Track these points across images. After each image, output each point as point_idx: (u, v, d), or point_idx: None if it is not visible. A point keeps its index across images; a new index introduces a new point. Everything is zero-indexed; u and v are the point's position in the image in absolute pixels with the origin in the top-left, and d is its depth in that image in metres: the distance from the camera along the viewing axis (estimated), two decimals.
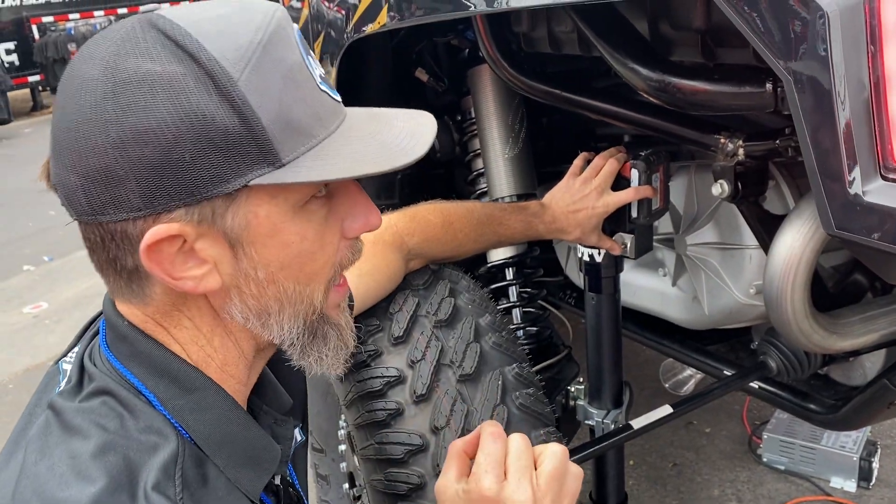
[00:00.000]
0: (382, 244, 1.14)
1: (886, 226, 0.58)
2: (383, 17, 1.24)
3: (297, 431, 0.94)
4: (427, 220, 1.21)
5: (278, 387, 0.84)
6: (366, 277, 1.10)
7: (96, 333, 0.74)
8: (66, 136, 0.62)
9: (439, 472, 1.01)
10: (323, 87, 0.68)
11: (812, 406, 1.57)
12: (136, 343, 0.69)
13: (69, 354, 0.75)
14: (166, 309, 0.69)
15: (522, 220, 1.30)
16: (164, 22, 0.62)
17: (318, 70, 0.68)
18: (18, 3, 11.45)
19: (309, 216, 0.68)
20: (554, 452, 0.79)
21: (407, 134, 0.70)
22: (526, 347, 1.63)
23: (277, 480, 0.83)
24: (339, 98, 0.70)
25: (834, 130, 0.59)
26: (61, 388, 0.69)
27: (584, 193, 1.30)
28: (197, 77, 0.60)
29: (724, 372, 1.68)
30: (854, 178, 0.59)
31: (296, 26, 0.68)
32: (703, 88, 0.91)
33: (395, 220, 1.19)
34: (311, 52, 0.69)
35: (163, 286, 0.67)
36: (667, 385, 2.25)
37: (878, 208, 0.58)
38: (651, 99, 1.00)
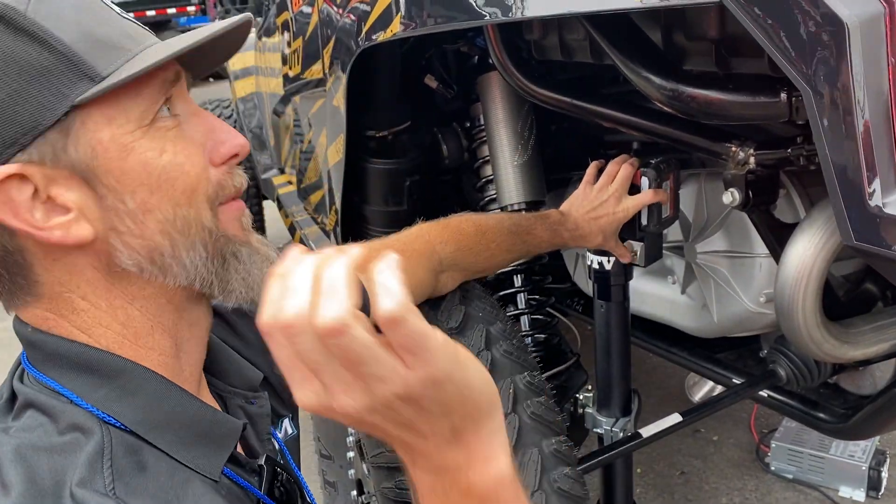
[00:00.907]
0: (412, 252, 1.10)
1: None
2: (396, 26, 1.24)
3: (287, 423, 0.92)
4: (460, 228, 1.19)
5: (240, 361, 0.81)
6: None
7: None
8: None
9: None
10: (127, 17, 0.68)
11: (822, 415, 1.57)
12: (44, 345, 0.66)
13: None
14: (56, 291, 0.65)
15: (548, 228, 1.30)
16: None
17: (119, 10, 0.68)
18: None
19: (162, 132, 0.66)
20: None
21: (219, 24, 0.69)
22: (534, 355, 1.64)
23: (261, 460, 0.79)
24: (149, 30, 0.70)
25: (854, 142, 0.59)
26: None
27: (602, 200, 1.31)
28: None
29: (733, 380, 1.68)
30: (874, 190, 0.59)
31: None
32: (717, 98, 0.91)
33: (427, 229, 1.16)
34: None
35: (40, 264, 0.64)
36: (694, 399, 2.21)
37: None
38: (663, 108, 0.99)
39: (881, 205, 0.59)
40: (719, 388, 2.06)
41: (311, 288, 0.50)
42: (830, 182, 0.62)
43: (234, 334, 0.86)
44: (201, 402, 0.71)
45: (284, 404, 0.92)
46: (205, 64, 0.75)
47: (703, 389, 2.07)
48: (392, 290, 0.49)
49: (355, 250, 0.53)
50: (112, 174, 0.63)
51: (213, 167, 0.69)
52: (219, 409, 0.76)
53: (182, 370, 0.72)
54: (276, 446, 0.87)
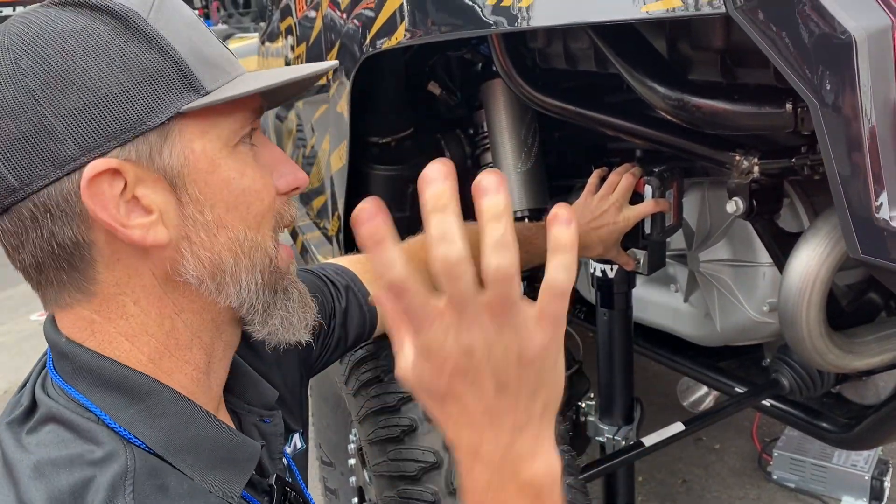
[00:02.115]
0: (419, 262, 1.09)
1: None
2: (400, 34, 1.24)
3: (297, 438, 0.92)
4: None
5: (258, 380, 0.82)
6: None
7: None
8: None
9: (453, 490, 1.01)
10: (223, 42, 0.72)
11: (825, 424, 1.56)
12: (76, 358, 0.66)
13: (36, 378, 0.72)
14: (111, 292, 0.66)
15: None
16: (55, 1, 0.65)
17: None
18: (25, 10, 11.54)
19: (244, 157, 0.69)
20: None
21: (309, 66, 0.73)
22: None
23: (271, 480, 0.79)
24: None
25: (861, 155, 0.59)
26: (11, 417, 0.67)
27: (603, 209, 1.31)
28: (106, 22, 0.63)
29: (736, 389, 1.67)
30: (881, 204, 0.59)
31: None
32: (723, 108, 0.91)
33: None
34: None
35: (104, 262, 0.65)
36: (685, 404, 2.22)
37: None
38: (668, 117, 0.99)
39: (888, 218, 0.59)
40: (713, 394, 2.06)
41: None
42: (837, 194, 0.62)
43: (249, 347, 0.86)
44: (224, 426, 0.72)
45: (296, 419, 0.92)
46: (274, 99, 0.78)
47: (695, 395, 2.07)
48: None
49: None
50: (197, 185, 0.66)
51: (277, 194, 0.72)
52: (234, 427, 0.76)
53: (210, 388, 0.73)
54: (286, 463, 0.87)
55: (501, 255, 0.48)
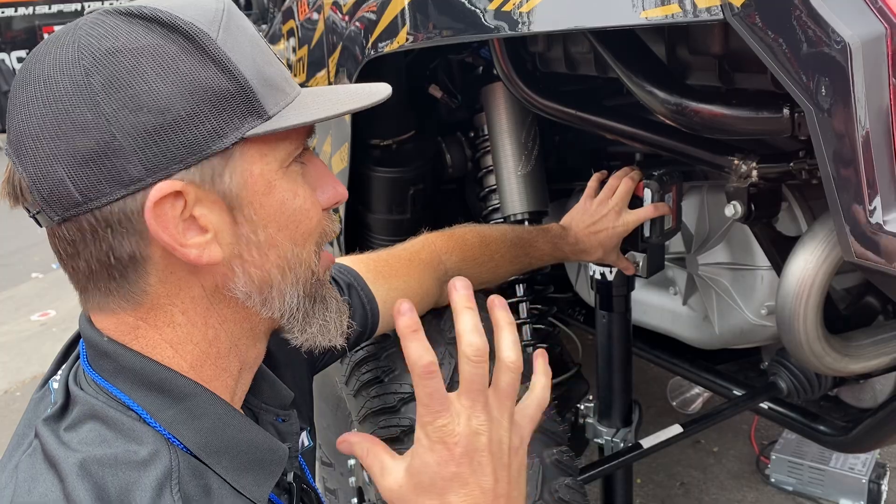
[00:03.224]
0: (419, 263, 1.12)
1: None
2: (402, 38, 1.25)
3: (305, 435, 0.94)
4: (465, 239, 1.21)
5: (276, 381, 0.83)
6: (396, 295, 1.08)
7: (80, 354, 0.73)
8: (42, 127, 0.61)
9: None
10: (279, 58, 0.72)
11: (822, 427, 1.57)
12: (119, 358, 0.67)
13: (57, 373, 0.73)
14: (160, 303, 0.67)
15: (549, 241, 1.31)
16: (125, 8, 0.64)
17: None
18: (31, 12, 11.55)
19: (295, 177, 0.70)
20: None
21: (362, 89, 0.75)
22: None
23: (290, 477, 0.81)
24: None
25: (855, 160, 0.60)
26: (48, 413, 0.68)
27: (602, 214, 1.32)
28: (176, 41, 0.63)
29: (734, 392, 1.68)
30: (875, 208, 0.60)
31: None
32: (721, 113, 0.92)
33: (433, 239, 1.18)
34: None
35: (158, 275, 0.66)
36: (674, 403, 2.25)
37: None
38: (667, 121, 1.00)
39: (882, 222, 0.60)
40: (704, 395, 2.07)
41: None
42: (831, 198, 0.63)
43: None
44: (259, 429, 0.74)
45: (304, 417, 0.94)
46: None
47: (686, 395, 2.08)
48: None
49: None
50: (252, 206, 0.67)
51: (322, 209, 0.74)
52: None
53: (236, 392, 0.75)
54: (299, 462, 0.88)
55: (516, 352, 0.69)
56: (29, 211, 0.66)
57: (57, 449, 0.63)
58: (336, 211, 2.07)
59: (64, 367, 0.73)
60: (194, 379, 0.69)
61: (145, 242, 0.64)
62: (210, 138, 0.63)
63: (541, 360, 0.76)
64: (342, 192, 0.76)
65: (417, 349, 0.66)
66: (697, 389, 2.29)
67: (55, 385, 0.71)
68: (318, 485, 1.91)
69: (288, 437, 0.83)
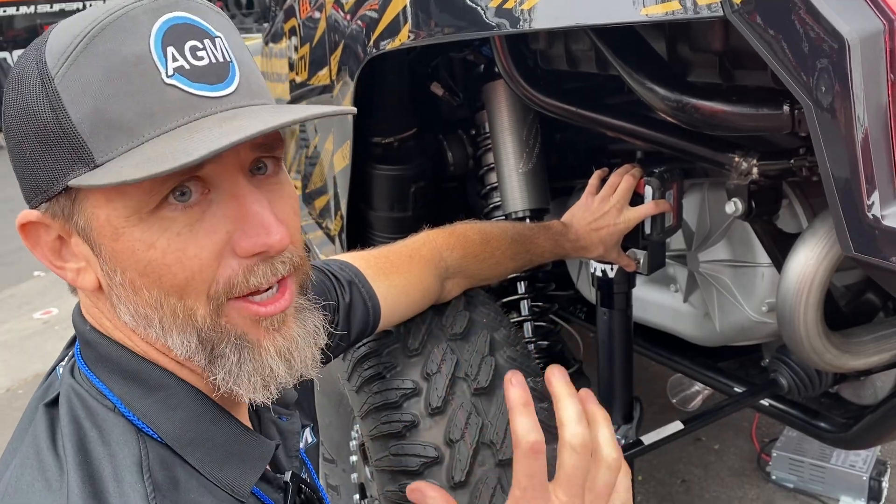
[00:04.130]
0: (419, 259, 1.12)
1: None
2: (404, 35, 1.26)
3: (308, 432, 0.94)
4: (466, 235, 1.21)
5: None
6: (396, 291, 1.09)
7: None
8: None
9: (455, 484, 1.02)
10: (172, 81, 0.60)
11: (822, 424, 1.58)
12: (99, 347, 0.68)
13: (65, 360, 0.74)
14: (93, 302, 0.69)
15: (550, 238, 1.31)
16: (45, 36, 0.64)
17: (181, 62, 0.61)
18: (32, 11, 11.56)
19: (163, 224, 0.62)
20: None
21: (259, 120, 0.61)
22: (538, 361, 1.65)
23: (286, 476, 0.80)
24: (213, 92, 0.62)
25: (854, 156, 0.60)
26: (49, 399, 0.69)
27: (603, 211, 1.32)
28: (34, 74, 0.60)
29: (735, 389, 1.69)
30: (873, 203, 0.60)
31: (198, 21, 0.63)
32: (721, 109, 0.92)
33: (434, 235, 1.18)
34: (199, 44, 0.62)
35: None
36: (674, 400, 2.25)
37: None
38: (667, 118, 1.01)
39: (880, 216, 0.60)
40: (704, 392, 2.07)
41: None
42: (830, 194, 0.63)
43: None
44: (237, 423, 0.73)
45: (306, 414, 0.94)
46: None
47: (686, 392, 2.08)
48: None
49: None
50: (105, 249, 0.63)
51: (236, 257, 0.64)
52: (249, 425, 0.78)
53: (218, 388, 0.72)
54: (302, 461, 0.89)
55: (618, 451, 0.69)
56: None
57: (46, 431, 0.66)
58: (335, 211, 2.07)
59: (66, 358, 0.74)
60: (168, 370, 0.69)
61: None
62: (47, 180, 0.62)
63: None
64: (266, 242, 0.63)
65: (525, 425, 0.66)
66: (697, 387, 2.29)
67: (61, 371, 0.73)
68: (321, 481, 1.91)
69: (289, 435, 0.83)
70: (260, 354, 0.67)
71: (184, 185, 0.61)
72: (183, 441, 0.68)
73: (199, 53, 0.62)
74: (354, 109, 0.68)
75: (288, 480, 0.80)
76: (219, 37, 0.64)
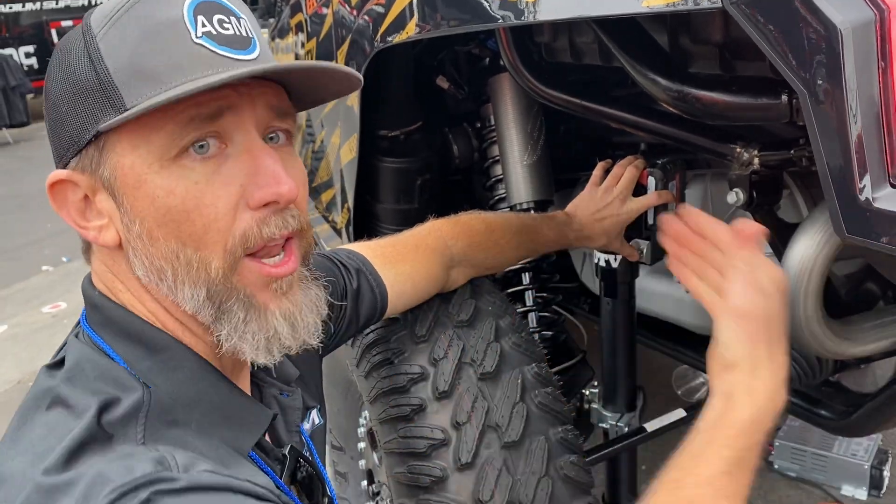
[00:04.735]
0: (425, 248, 1.15)
1: (894, 230, 0.62)
2: (411, 28, 1.28)
3: (315, 413, 0.97)
4: (470, 225, 1.23)
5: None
6: (403, 279, 1.11)
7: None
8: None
9: (462, 465, 1.05)
10: (200, 41, 0.66)
11: (823, 412, 1.59)
12: (104, 310, 0.73)
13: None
14: (112, 262, 0.73)
15: (554, 228, 1.34)
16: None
17: (209, 28, 0.67)
18: (38, 8, 11.60)
19: (183, 172, 0.66)
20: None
21: (256, 71, 0.67)
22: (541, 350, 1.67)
23: (285, 450, 0.83)
24: (237, 55, 0.67)
25: (846, 141, 0.62)
26: (52, 361, 0.74)
27: (607, 202, 1.34)
28: (78, 38, 0.68)
29: None
30: (865, 186, 0.62)
31: (225, 2, 0.69)
32: (721, 99, 0.94)
33: (440, 225, 1.21)
34: (226, 19, 0.68)
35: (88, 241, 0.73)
36: (679, 392, 2.26)
37: (887, 214, 0.62)
38: (669, 109, 1.03)
39: (871, 199, 0.62)
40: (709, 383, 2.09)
41: None
42: (824, 178, 0.65)
43: None
44: (234, 387, 0.76)
45: (313, 395, 0.97)
46: (309, 98, 0.77)
47: (691, 383, 2.10)
48: None
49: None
50: (127, 198, 0.68)
51: (249, 210, 0.68)
52: (250, 395, 0.81)
53: (223, 356, 0.75)
54: (302, 439, 0.91)
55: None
56: None
57: (49, 391, 0.69)
58: (342, 203, 2.10)
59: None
60: (169, 334, 0.72)
61: None
62: (79, 131, 0.68)
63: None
64: (278, 191, 0.68)
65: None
66: (702, 378, 2.30)
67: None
68: (329, 469, 1.94)
69: (290, 411, 0.86)
70: (265, 315, 0.71)
71: (204, 139, 0.67)
72: (182, 400, 0.71)
73: (226, 25, 0.68)
74: (360, 77, 0.74)
75: (287, 453, 0.83)
76: (243, 18, 0.70)
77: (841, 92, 0.61)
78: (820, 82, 0.63)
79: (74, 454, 0.62)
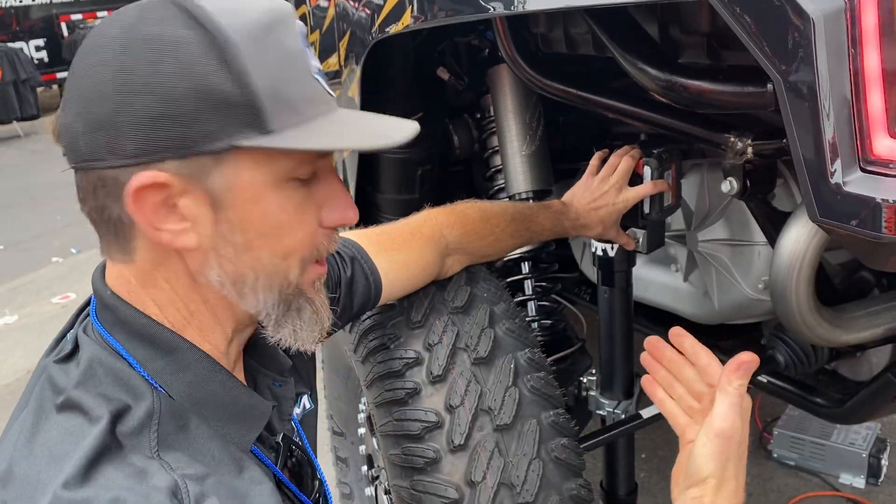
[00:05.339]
0: (420, 236, 1.17)
1: (863, 213, 0.63)
2: (407, 19, 1.30)
3: (306, 399, 1.00)
4: (466, 214, 1.25)
5: (275, 349, 0.88)
6: (397, 266, 1.13)
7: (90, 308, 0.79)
8: (77, 85, 0.68)
9: (455, 447, 1.07)
10: (317, 77, 0.73)
11: (819, 400, 1.61)
12: (118, 311, 0.74)
13: (76, 323, 0.79)
14: (147, 267, 0.73)
15: (550, 217, 1.35)
16: (187, 1, 0.68)
17: (315, 63, 0.74)
18: (48, 1, 11.66)
19: (290, 192, 0.73)
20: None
21: (390, 125, 0.77)
22: (540, 339, 1.69)
23: (278, 438, 0.87)
24: (332, 94, 0.76)
25: (818, 126, 0.64)
26: (58, 356, 0.75)
27: (603, 191, 1.36)
28: (204, 43, 0.66)
29: None
30: (836, 170, 0.64)
31: (301, 25, 0.75)
32: (708, 88, 0.96)
33: (436, 213, 1.22)
34: (311, 48, 0.75)
35: (145, 241, 0.71)
36: None
37: (856, 197, 0.64)
38: (659, 97, 1.04)
39: (841, 183, 0.64)
40: None
41: None
42: (798, 163, 0.67)
43: None
44: (241, 385, 0.79)
45: (305, 382, 0.99)
46: None
47: None
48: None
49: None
50: (235, 210, 0.70)
51: (320, 228, 0.77)
52: (246, 384, 0.83)
53: (228, 355, 0.81)
54: (293, 425, 0.94)
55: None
56: (62, 148, 0.72)
57: (66, 389, 0.70)
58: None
59: (80, 316, 0.80)
60: (180, 335, 0.75)
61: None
62: (204, 139, 0.67)
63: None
64: (350, 217, 0.78)
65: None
66: None
67: (69, 335, 0.78)
68: (330, 454, 1.97)
69: (283, 400, 0.89)
70: (318, 310, 0.81)
71: (314, 170, 0.75)
72: (193, 399, 0.74)
73: (311, 54, 0.75)
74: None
75: (280, 441, 0.87)
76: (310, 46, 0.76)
77: (813, 79, 0.63)
78: (793, 70, 0.65)
79: (91, 465, 0.65)
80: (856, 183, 0.64)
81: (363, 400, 1.59)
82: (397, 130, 0.76)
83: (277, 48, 0.70)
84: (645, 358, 1.00)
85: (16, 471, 0.67)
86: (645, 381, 1.00)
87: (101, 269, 0.78)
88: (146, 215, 0.68)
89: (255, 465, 0.77)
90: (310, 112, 0.71)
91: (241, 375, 0.85)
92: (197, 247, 0.71)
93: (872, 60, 0.61)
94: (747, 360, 0.89)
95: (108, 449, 0.66)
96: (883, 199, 0.62)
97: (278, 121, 0.68)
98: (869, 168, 0.63)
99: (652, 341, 1.00)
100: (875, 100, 0.62)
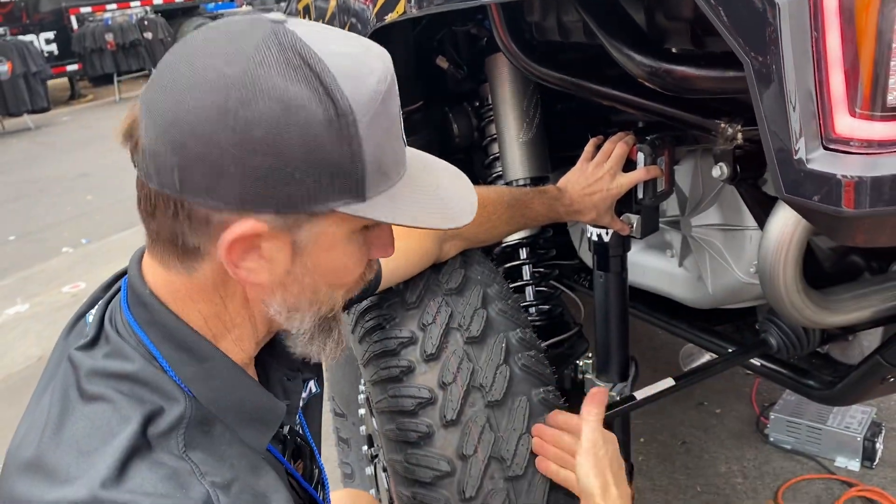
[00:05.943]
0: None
1: (825, 189, 0.66)
2: (401, 7, 1.33)
3: (312, 383, 1.03)
4: None
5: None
6: (398, 255, 1.15)
7: (118, 291, 0.82)
8: (177, 117, 0.66)
9: (447, 422, 1.11)
10: (403, 136, 0.78)
11: (810, 382, 1.63)
12: (155, 312, 0.76)
13: (93, 309, 0.82)
14: (205, 285, 0.76)
15: (545, 203, 1.38)
16: (301, 45, 0.67)
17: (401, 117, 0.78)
18: None
19: (355, 240, 0.78)
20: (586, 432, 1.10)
21: (457, 196, 0.83)
22: (538, 324, 1.72)
23: (285, 430, 0.91)
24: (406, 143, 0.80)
25: (783, 107, 0.67)
26: (81, 343, 0.77)
27: (597, 177, 1.38)
28: (327, 111, 0.67)
29: (729, 350, 1.75)
30: (800, 148, 0.67)
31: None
32: (692, 73, 0.98)
33: None
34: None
35: (213, 265, 0.74)
36: (686, 370, 2.29)
37: (819, 174, 0.67)
38: (646, 83, 1.07)
39: (804, 160, 0.67)
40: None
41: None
42: (765, 142, 0.70)
43: None
44: (265, 391, 0.84)
45: (310, 368, 1.03)
46: None
47: (697, 362, 2.14)
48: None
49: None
50: (312, 257, 0.75)
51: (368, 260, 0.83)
52: (257, 378, 0.88)
53: (250, 357, 0.85)
54: (298, 417, 0.99)
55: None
56: (133, 156, 0.72)
57: (91, 381, 0.74)
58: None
59: (101, 302, 0.82)
60: (214, 345, 0.79)
61: (212, 244, 0.71)
62: (307, 200, 0.69)
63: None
64: (392, 251, 0.86)
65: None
66: (708, 356, 2.34)
67: (90, 318, 0.80)
68: (332, 436, 2.01)
69: (292, 395, 0.93)
70: (342, 328, 0.87)
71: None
72: (219, 405, 0.78)
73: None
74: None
75: (287, 434, 0.91)
76: None
77: (779, 60, 0.66)
78: (761, 52, 0.67)
79: (125, 464, 0.68)
80: (818, 160, 0.67)
81: (363, 381, 1.63)
82: (464, 202, 0.83)
83: (386, 118, 0.72)
84: (536, 443, 1.13)
85: (44, 460, 0.70)
86: (538, 462, 1.12)
87: (139, 260, 0.80)
88: (231, 255, 0.71)
89: (270, 468, 0.80)
90: (395, 176, 0.75)
91: (254, 372, 0.89)
92: (266, 284, 0.76)
93: (834, 42, 0.64)
94: (598, 392, 1.15)
95: (139, 448, 0.70)
96: (843, 175, 0.65)
97: (373, 188, 0.72)
98: (831, 146, 0.66)
99: (536, 430, 1.14)
100: (836, 81, 0.65)
